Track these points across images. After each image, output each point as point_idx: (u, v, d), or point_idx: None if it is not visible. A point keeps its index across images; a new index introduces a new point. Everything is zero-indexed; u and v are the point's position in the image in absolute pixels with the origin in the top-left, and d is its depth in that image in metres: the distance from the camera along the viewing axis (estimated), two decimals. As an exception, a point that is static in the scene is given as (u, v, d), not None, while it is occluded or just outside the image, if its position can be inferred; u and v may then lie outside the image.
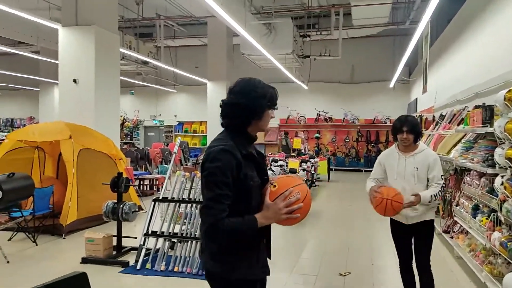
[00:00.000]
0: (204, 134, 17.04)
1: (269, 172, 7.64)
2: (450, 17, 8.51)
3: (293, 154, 11.68)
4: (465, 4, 7.38)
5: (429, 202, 3.02)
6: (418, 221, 3.13)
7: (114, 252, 5.03)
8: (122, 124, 14.85)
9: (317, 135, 16.10)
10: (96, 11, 7.49)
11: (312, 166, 10.78)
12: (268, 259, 1.95)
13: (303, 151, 13.76)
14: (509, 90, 3.40)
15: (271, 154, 11.61)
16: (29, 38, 11.81)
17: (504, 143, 3.51)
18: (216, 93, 12.08)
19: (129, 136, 15.71)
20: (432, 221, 3.18)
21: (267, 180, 1.90)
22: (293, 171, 8.10)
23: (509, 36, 5.05)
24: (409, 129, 3.09)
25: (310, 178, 10.74)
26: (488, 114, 4.24)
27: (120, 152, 7.28)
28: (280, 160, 9.35)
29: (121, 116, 15.11)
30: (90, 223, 6.25)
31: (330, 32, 11.57)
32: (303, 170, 9.25)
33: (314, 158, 11.94)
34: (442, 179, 3.10)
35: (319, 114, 16.39)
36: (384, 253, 5.37)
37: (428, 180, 3.14)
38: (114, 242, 5.05)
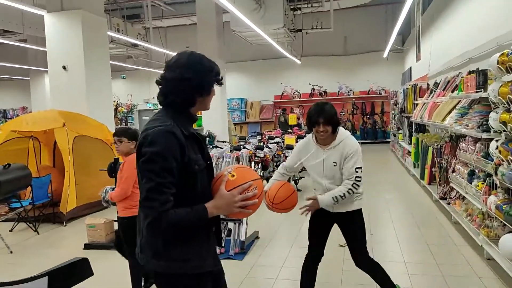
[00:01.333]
0: (199, 115, 16.98)
1: (266, 149, 7.65)
2: (442, -18, 8.36)
3: (290, 130, 11.68)
4: (456, -32, 7.23)
5: (335, 203, 2.70)
6: (343, 211, 2.81)
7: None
8: (115, 109, 14.75)
9: (312, 109, 16.05)
10: (80, -6, 7.30)
11: (308, 141, 10.79)
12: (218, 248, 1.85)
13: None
14: (502, 54, 3.37)
15: (267, 131, 11.61)
16: (15, 26, 11.53)
17: (498, 107, 3.50)
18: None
19: (123, 121, 15.64)
20: (359, 210, 2.84)
21: (211, 165, 1.77)
22: (289, 147, 8.11)
23: (500, 0, 4.98)
24: (326, 120, 2.66)
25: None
26: (482, 79, 4.23)
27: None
28: (276, 137, 9.37)
29: (114, 101, 14.98)
30: (90, 210, 6.29)
31: (321, 3, 11.35)
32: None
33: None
34: (357, 172, 2.69)
35: (314, 89, 16.30)
36: (384, 222, 5.45)
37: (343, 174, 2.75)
38: (116, 227, 5.08)
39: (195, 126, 1.82)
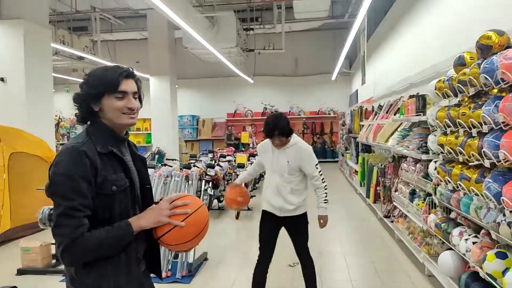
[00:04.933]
0: (148, 132, 16.56)
1: (217, 168, 7.58)
2: (386, 10, 8.90)
3: (243, 149, 11.70)
4: (398, -1, 7.75)
5: (326, 205, 3.25)
6: (291, 215, 3.20)
7: (53, 261, 4.74)
8: (57, 124, 14.00)
9: (264, 128, 16.24)
10: (24, 4, 6.93)
11: (260, 159, 10.85)
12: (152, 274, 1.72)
13: (251, 145, 13.84)
14: (439, 80, 3.61)
15: (219, 149, 11.54)
16: None
17: (436, 130, 3.72)
18: (160, 88, 11.73)
19: (66, 136, 14.86)
20: (305, 214, 3.26)
21: (150, 189, 1.69)
22: (241, 165, 8.09)
23: (439, 29, 5.37)
24: (280, 132, 3.12)
25: (259, 171, 10.81)
26: (421, 103, 4.48)
27: (54, 153, 6.85)
28: (228, 155, 9.33)
29: (56, 116, 14.25)
30: (25, 232, 5.83)
31: (273, 25, 11.66)
32: (252, 164, 9.27)
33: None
34: (317, 168, 3.20)
35: (266, 108, 16.53)
36: (331, 239, 5.54)
37: (301, 172, 3.23)
38: (53, 250, 4.75)
39: (143, 143, 1.72)
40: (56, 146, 8.41)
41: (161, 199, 1.59)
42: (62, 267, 4.56)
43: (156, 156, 9.57)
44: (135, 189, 1.61)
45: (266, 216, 3.28)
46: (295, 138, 3.26)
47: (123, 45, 15.82)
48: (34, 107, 6.98)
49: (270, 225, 3.26)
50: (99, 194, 1.45)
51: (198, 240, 1.60)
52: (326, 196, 3.22)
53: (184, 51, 10.68)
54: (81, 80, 1.61)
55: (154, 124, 11.35)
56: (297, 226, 3.24)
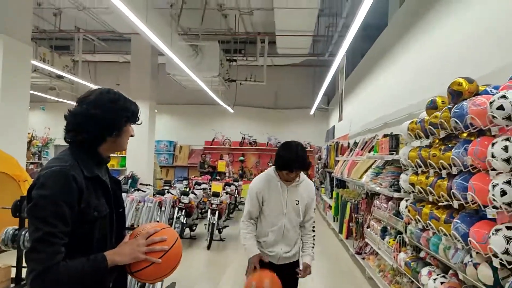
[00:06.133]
0: (123, 155, 16.29)
1: (191, 195, 7.48)
2: (363, 52, 9.30)
3: (218, 178, 11.63)
4: (376, 41, 8.12)
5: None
6: (288, 262, 2.80)
7: (12, 285, 4.48)
8: (29, 142, 13.60)
9: (241, 158, 16.27)
10: (6, 19, 6.87)
11: (236, 189, 10.80)
12: None
13: (227, 174, 13.80)
14: (412, 121, 3.75)
15: (194, 177, 11.44)
16: None
17: (407, 169, 3.83)
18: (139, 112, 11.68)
19: (37, 155, 14.41)
20: (298, 261, 2.86)
21: (122, 213, 1.66)
22: (216, 194, 8.02)
23: (413, 73, 5.63)
24: (299, 166, 2.57)
25: (234, 202, 10.73)
26: (395, 142, 4.62)
27: (25, 173, 6.61)
28: (203, 183, 9.24)
29: (29, 133, 13.84)
30: (-16, 253, 5.52)
31: (255, 58, 11.92)
32: (227, 193, 9.21)
33: (238, 181, 12.00)
34: (313, 215, 2.81)
35: (244, 138, 16.62)
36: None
37: (303, 218, 2.74)
38: (13, 274, 4.50)
39: (117, 166, 1.71)
40: (26, 165, 8.15)
41: (132, 225, 1.56)
42: (20, 292, 4.32)
43: (129, 181, 9.38)
44: (113, 215, 1.58)
45: (261, 266, 2.68)
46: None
47: (104, 66, 15.77)
48: (7, 123, 6.78)
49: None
50: (80, 220, 1.41)
51: (172, 272, 1.58)
52: (313, 246, 2.81)
53: (166, 76, 10.73)
54: (59, 99, 1.59)
55: (130, 148, 11.13)
56: (291, 273, 2.77)
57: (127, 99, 1.60)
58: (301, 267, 2.80)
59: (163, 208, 5.18)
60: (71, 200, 1.38)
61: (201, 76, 9.33)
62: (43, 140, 15.41)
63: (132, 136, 1.63)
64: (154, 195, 6.14)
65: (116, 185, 1.68)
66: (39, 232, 1.33)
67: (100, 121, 1.49)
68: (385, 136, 5.29)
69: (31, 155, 13.75)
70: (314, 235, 2.81)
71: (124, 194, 4.83)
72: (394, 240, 4.25)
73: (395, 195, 4.13)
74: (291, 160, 2.54)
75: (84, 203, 1.42)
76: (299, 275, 2.71)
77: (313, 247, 2.81)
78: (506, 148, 2.10)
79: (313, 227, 2.82)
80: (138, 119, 1.63)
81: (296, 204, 2.66)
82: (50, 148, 16.86)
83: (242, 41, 12.72)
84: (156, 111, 11.97)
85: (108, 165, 1.74)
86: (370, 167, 5.85)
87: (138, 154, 10.84)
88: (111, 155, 1.68)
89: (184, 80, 10.74)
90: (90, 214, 1.44)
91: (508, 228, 2.10)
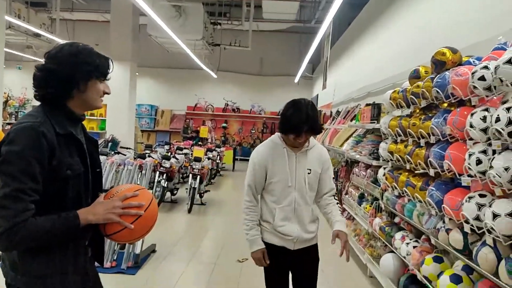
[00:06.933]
0: (103, 118, 15.97)
1: (173, 160, 7.45)
2: (350, 20, 9.17)
3: (200, 143, 11.59)
4: (363, 10, 8.00)
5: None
6: (306, 246, 2.35)
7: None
8: (5, 102, 13.20)
9: (224, 124, 16.21)
10: (-25, -31, 6.47)
11: (218, 155, 10.82)
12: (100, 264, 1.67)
13: (209, 140, 13.77)
14: (394, 91, 3.77)
15: (176, 141, 11.37)
16: None
17: (387, 138, 3.88)
18: (119, 74, 11.30)
19: (14, 116, 14.05)
20: (317, 245, 2.46)
21: (99, 173, 1.64)
22: (197, 159, 8.02)
23: (398, 43, 5.61)
24: (311, 127, 2.16)
25: (215, 167, 10.78)
26: (376, 111, 4.66)
27: (1, 133, 6.45)
28: (185, 148, 9.21)
29: (4, 93, 13.39)
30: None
31: (241, 22, 11.62)
32: (208, 158, 9.22)
33: (220, 148, 12.02)
34: (333, 183, 2.44)
35: (227, 104, 16.49)
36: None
37: (319, 189, 2.35)
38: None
39: (97, 129, 1.66)
40: (2, 125, 7.93)
41: (111, 187, 1.55)
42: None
43: (110, 144, 9.24)
44: (89, 174, 1.55)
45: (272, 253, 2.28)
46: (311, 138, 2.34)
47: (83, 25, 15.15)
48: (-20, 81, 6.53)
49: (280, 264, 2.31)
50: (52, 177, 1.38)
51: (148, 233, 1.60)
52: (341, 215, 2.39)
53: (147, 38, 10.40)
54: (37, 58, 1.52)
55: (110, 110, 10.92)
56: (311, 264, 2.40)
57: (94, 53, 1.51)
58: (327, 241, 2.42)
59: (143, 172, 5.16)
60: (41, 157, 1.34)
61: (184, 39, 9.07)
62: (20, 100, 14.98)
63: (107, 93, 1.55)
64: (134, 158, 6.10)
65: (92, 145, 1.64)
66: (6, 188, 1.30)
67: (58, 75, 1.43)
68: (367, 105, 5.31)
69: (8, 115, 13.38)
70: (338, 203, 2.40)
71: (104, 157, 4.77)
72: (370, 206, 4.38)
73: (374, 163, 4.21)
74: (301, 121, 2.11)
75: (56, 161, 1.38)
76: (339, 252, 2.28)
77: (341, 215, 2.39)
78: (484, 119, 2.14)
79: (334, 196, 2.41)
80: (106, 75, 1.54)
81: (308, 173, 2.25)
82: (27, 109, 16.39)
83: (227, 4, 12.34)
84: (137, 74, 11.67)
85: (88, 127, 1.69)
86: (351, 135, 5.91)
87: (118, 117, 10.61)
88: (90, 118, 1.63)
89: (166, 42, 10.43)
90: (63, 172, 1.41)
91: (481, 195, 2.18)
